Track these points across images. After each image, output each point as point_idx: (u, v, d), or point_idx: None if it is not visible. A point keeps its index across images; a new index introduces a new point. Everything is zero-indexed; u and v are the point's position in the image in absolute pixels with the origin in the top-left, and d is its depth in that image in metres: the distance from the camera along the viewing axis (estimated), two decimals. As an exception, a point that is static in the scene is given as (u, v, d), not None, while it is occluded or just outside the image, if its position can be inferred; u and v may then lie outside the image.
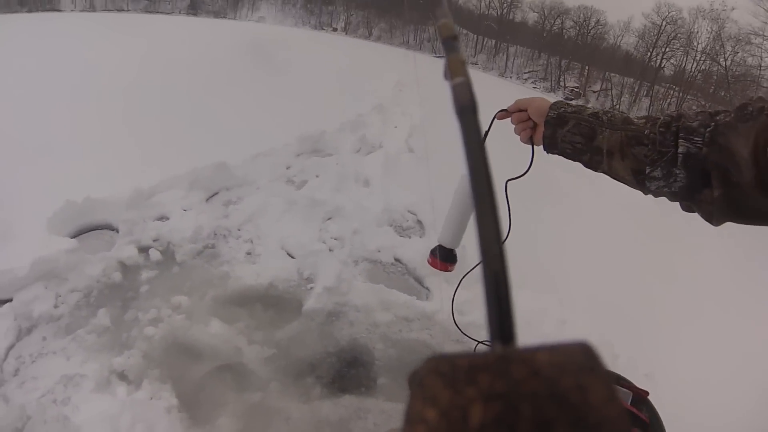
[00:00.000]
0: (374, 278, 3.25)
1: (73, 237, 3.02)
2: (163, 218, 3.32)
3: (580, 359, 0.25)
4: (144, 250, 3.04)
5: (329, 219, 3.70)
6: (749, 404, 3.23)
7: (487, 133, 1.13)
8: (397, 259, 3.46)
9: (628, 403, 1.87)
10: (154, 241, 3.11)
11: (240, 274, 2.98)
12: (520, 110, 1.16)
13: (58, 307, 2.59)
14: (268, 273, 3.01)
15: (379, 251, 3.47)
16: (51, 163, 3.48)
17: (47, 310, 2.53)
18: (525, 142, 1.19)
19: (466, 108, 0.34)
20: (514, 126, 1.19)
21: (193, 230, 3.21)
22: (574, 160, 1.07)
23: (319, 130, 4.82)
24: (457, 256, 1.42)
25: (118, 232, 3.10)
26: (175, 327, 2.59)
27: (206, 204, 3.57)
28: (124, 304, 2.71)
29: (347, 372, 2.63)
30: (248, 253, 3.23)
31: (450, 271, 1.42)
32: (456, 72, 0.38)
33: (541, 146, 1.13)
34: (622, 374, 2.01)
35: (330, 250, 3.36)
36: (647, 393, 1.94)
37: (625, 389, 1.93)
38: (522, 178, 1.24)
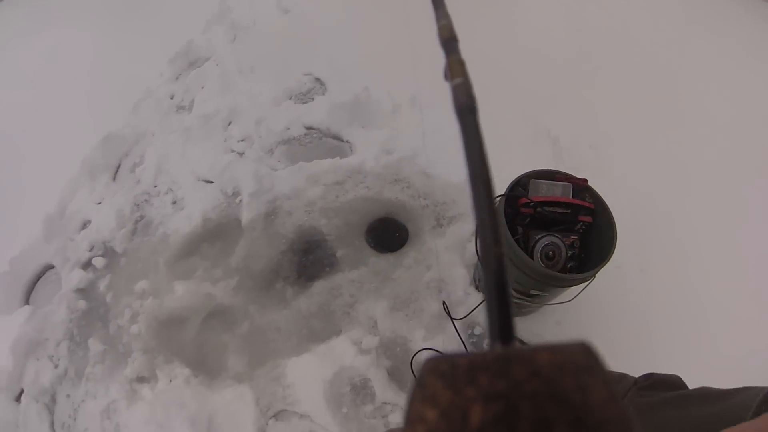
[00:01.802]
0: (293, 158, 3.02)
1: (27, 300, 2.88)
2: (86, 225, 3.10)
3: (580, 359, 0.24)
4: (88, 265, 2.90)
5: (230, 124, 3.36)
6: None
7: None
8: (308, 127, 3.18)
9: (570, 196, 1.81)
10: (91, 250, 2.94)
11: (175, 227, 2.83)
12: None
13: (58, 366, 2.60)
14: (196, 211, 2.84)
15: (288, 128, 3.18)
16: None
17: (52, 374, 2.55)
18: None
19: (465, 109, 0.33)
20: None
21: (115, 217, 3.00)
22: None
23: (185, 41, 4.14)
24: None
25: (55, 267, 2.92)
26: (151, 311, 2.56)
27: (115, 183, 3.28)
28: (103, 322, 2.68)
29: (306, 260, 2.58)
30: (174, 203, 3.03)
31: None
32: (456, 73, 0.37)
33: None
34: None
35: (241, 155, 3.09)
36: (586, 180, 1.83)
37: (565, 183, 1.83)
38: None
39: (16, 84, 4.19)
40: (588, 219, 1.86)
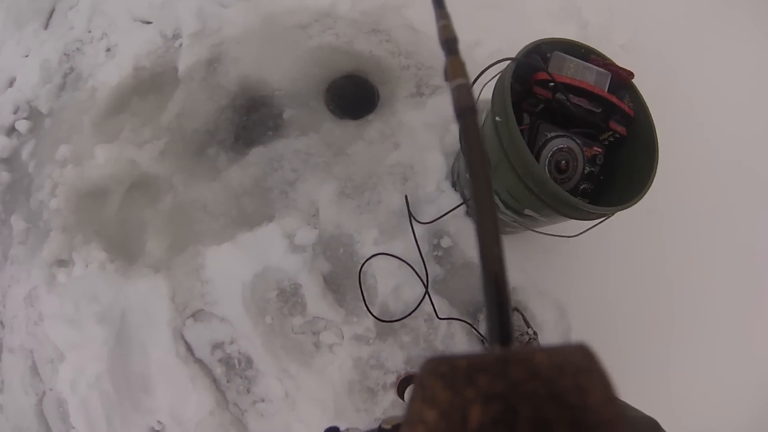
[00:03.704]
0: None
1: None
2: (12, 82, 2.39)
3: (578, 360, 0.23)
4: (11, 130, 2.26)
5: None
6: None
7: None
8: None
9: (606, 89, 1.20)
10: (15, 112, 2.28)
11: (104, 80, 2.11)
12: None
13: (-21, 245, 2.10)
14: (127, 58, 2.09)
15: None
16: None
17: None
18: None
19: (466, 109, 0.31)
20: None
21: (39, 71, 2.28)
22: None
23: None
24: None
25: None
26: (70, 183, 1.96)
27: (46, 32, 2.51)
28: (26, 195, 2.09)
29: (247, 120, 1.87)
30: (108, 50, 2.28)
31: None
32: (456, 73, 0.35)
33: None
34: (593, 46, 1.21)
35: (189, -12, 2.23)
36: (632, 75, 1.20)
37: (601, 69, 1.20)
38: None
39: None
40: (622, 130, 1.19)
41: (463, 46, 1.42)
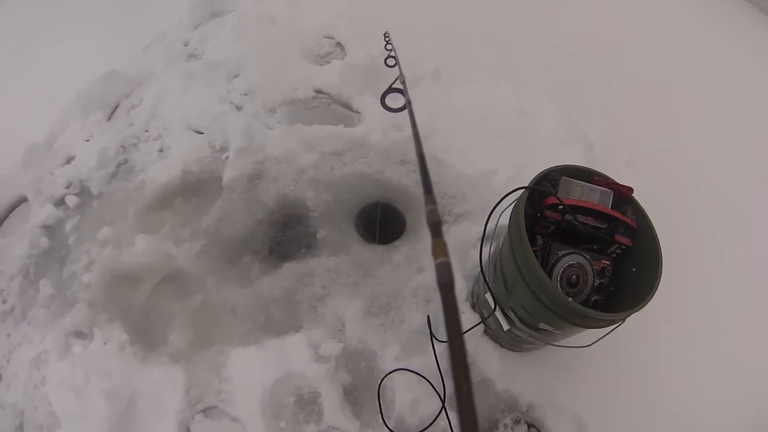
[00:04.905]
0: (294, 120, 2.46)
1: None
2: (70, 160, 2.62)
3: None
4: (60, 202, 2.42)
5: (236, 76, 2.82)
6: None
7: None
8: (318, 91, 2.62)
9: (609, 206, 1.33)
10: (67, 187, 2.47)
11: (154, 176, 2.33)
12: None
13: (6, 301, 2.16)
14: (177, 161, 2.32)
15: (296, 89, 2.62)
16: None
17: (-1, 310, 2.11)
18: None
19: (445, 284, 0.36)
20: None
21: (97, 156, 2.51)
22: None
23: (211, -10, 3.57)
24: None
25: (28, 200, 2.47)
26: (106, 263, 2.09)
27: (108, 123, 2.79)
28: (60, 264, 2.22)
29: (282, 236, 2.05)
30: (161, 150, 2.53)
31: None
32: (439, 253, 0.40)
33: None
34: (600, 164, 1.39)
35: (238, 108, 2.56)
36: (631, 190, 1.34)
37: (604, 188, 1.33)
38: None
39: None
40: (627, 241, 1.32)
41: (482, 175, 1.70)
